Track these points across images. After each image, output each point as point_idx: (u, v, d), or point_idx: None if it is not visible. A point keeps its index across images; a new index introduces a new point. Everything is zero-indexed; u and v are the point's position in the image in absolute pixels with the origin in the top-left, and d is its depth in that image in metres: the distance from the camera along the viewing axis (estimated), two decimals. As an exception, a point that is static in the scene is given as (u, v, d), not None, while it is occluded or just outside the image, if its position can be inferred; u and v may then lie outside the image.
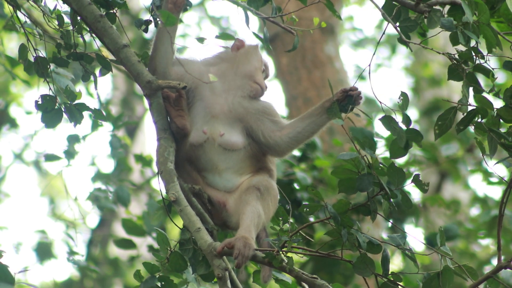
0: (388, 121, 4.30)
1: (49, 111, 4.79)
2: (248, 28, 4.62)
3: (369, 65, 4.47)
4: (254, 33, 4.65)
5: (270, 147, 4.69)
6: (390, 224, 7.73)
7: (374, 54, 4.56)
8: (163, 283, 4.49)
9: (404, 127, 4.32)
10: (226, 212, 4.64)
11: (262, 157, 4.73)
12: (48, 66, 4.80)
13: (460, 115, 4.32)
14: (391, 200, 4.23)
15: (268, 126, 4.68)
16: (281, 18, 4.65)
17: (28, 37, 4.86)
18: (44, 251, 9.60)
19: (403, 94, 4.29)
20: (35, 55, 4.80)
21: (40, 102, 4.78)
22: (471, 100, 4.27)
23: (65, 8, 4.79)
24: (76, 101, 4.81)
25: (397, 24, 4.41)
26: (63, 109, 4.79)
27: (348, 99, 4.51)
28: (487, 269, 8.97)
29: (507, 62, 4.19)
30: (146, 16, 4.78)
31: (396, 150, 4.30)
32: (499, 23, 4.31)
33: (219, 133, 4.66)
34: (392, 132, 4.31)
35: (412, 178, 4.22)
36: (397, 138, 4.28)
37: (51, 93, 4.78)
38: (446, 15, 4.31)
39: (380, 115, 4.39)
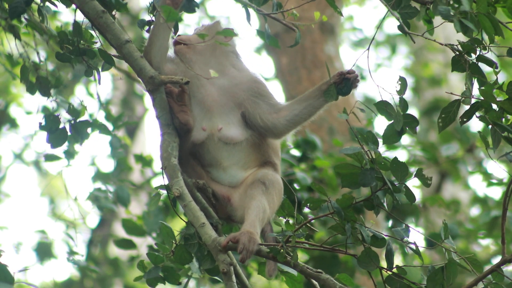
0: (383, 105, 4.28)
1: (54, 131, 4.80)
2: (249, 25, 4.62)
3: (368, 49, 4.45)
4: (256, 30, 4.65)
5: (268, 129, 4.68)
6: (390, 224, 7.72)
7: (372, 40, 4.55)
8: (166, 273, 4.49)
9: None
10: (231, 206, 4.64)
11: (266, 150, 4.72)
12: (50, 86, 4.81)
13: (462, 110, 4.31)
14: (394, 194, 4.23)
15: (264, 108, 4.68)
16: (282, 14, 4.65)
17: (26, 61, 4.87)
18: (44, 251, 9.59)
19: (401, 79, 4.28)
20: (37, 75, 4.82)
21: (43, 124, 4.80)
22: (475, 93, 4.27)
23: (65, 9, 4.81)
24: (81, 118, 4.84)
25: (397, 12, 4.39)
26: (68, 128, 4.80)
27: (345, 82, 4.51)
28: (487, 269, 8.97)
29: (510, 49, 4.19)
30: (146, 16, 4.79)
31: (389, 136, 4.29)
32: (503, 7, 4.29)
33: (217, 128, 4.65)
34: (387, 117, 4.29)
35: (415, 172, 4.21)
36: (394, 121, 4.26)
37: (54, 113, 4.81)
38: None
39: (380, 114, 4.38)
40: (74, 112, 4.83)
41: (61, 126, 4.84)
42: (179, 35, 4.78)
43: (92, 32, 4.80)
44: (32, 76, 4.85)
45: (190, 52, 4.71)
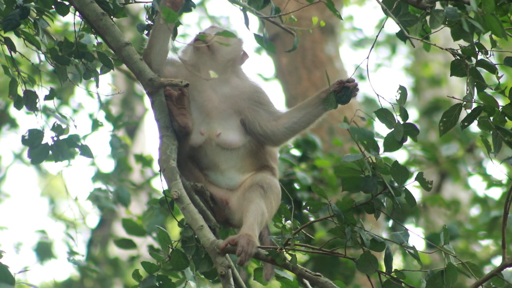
0: (383, 114, 4.29)
1: (36, 147, 4.79)
2: (248, 29, 4.61)
3: (367, 57, 4.45)
4: (254, 34, 4.64)
5: (266, 137, 4.69)
6: (390, 224, 7.73)
7: (372, 47, 4.54)
8: (161, 282, 4.48)
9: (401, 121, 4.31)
10: (229, 209, 4.64)
11: (264, 155, 4.74)
12: (37, 100, 4.80)
13: (463, 113, 4.31)
14: (395, 198, 4.23)
15: (264, 116, 4.69)
16: (280, 18, 4.65)
17: (18, 71, 4.86)
18: (44, 251, 9.58)
19: (401, 88, 4.29)
20: (24, 89, 4.81)
21: (26, 137, 4.78)
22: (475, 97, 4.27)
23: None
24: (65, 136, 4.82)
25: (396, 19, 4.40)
26: (50, 144, 4.79)
27: (345, 90, 4.52)
28: (487, 269, 8.97)
29: (508, 58, 4.19)
30: (145, 17, 4.79)
31: (390, 144, 4.29)
32: (503, 22, 4.30)
33: (215, 133, 4.66)
34: (387, 126, 4.30)
35: (416, 176, 4.21)
36: (395, 131, 4.27)
37: (39, 128, 4.80)
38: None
39: (381, 122, 4.39)
40: (58, 129, 4.81)
41: (43, 141, 4.81)
42: (202, 33, 4.76)
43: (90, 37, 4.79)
44: (21, 91, 4.83)
45: (207, 53, 4.70)
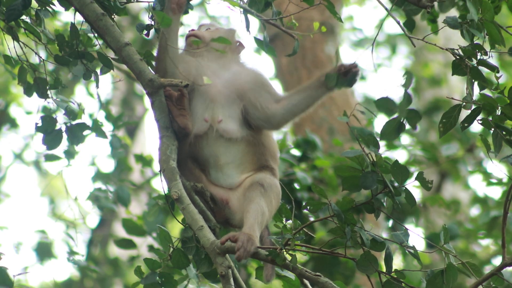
0: (384, 102, 4.29)
1: (50, 133, 4.82)
2: (248, 32, 4.63)
3: (372, 44, 4.45)
4: (254, 38, 4.66)
5: (266, 119, 4.70)
6: (390, 224, 7.73)
7: (374, 41, 4.55)
8: (163, 279, 4.49)
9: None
10: (229, 209, 4.65)
11: (264, 154, 4.74)
12: (48, 87, 4.83)
13: (463, 113, 4.32)
14: (395, 197, 4.24)
15: (265, 97, 4.71)
16: (281, 20, 4.66)
17: (24, 62, 4.88)
18: (44, 251, 9.59)
19: (407, 73, 4.29)
20: (34, 76, 4.83)
21: (39, 125, 4.81)
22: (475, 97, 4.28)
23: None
24: (77, 121, 4.88)
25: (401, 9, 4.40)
26: (63, 130, 4.84)
27: (346, 74, 4.54)
28: (487, 269, 8.98)
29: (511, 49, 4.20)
30: (146, 17, 4.79)
31: (388, 132, 4.30)
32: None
33: (217, 119, 4.67)
34: (387, 114, 4.29)
35: (416, 175, 4.22)
36: (398, 111, 4.26)
37: (51, 114, 4.84)
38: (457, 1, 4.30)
39: (381, 114, 4.39)
40: (71, 114, 4.85)
41: (57, 127, 4.86)
42: (193, 30, 4.80)
43: (91, 35, 4.81)
44: (30, 78, 4.86)
45: (202, 47, 4.72)
